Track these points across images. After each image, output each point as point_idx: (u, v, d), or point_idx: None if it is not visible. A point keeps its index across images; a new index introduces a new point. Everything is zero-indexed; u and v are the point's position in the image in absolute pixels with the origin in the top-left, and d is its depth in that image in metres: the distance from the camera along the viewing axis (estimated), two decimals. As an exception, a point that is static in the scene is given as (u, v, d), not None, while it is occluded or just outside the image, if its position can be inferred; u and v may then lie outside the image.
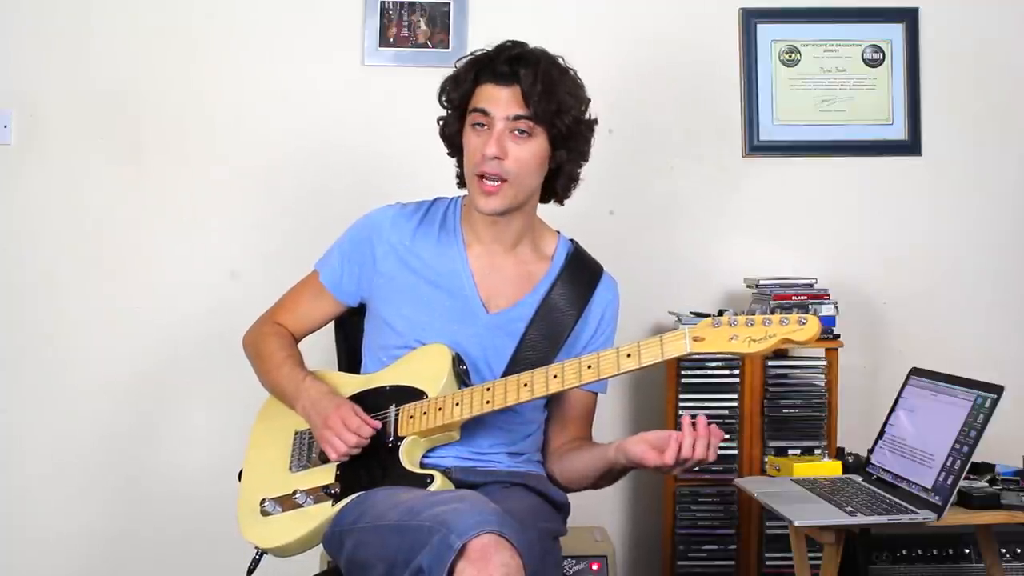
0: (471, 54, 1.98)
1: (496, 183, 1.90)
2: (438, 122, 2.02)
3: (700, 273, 3.07)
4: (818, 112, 3.09)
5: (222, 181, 3.02)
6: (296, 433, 2.02)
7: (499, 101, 1.89)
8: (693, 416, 1.77)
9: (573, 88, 1.94)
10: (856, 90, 3.09)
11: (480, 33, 2.87)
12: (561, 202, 2.05)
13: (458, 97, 1.95)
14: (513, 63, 1.89)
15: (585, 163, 2.01)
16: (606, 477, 1.95)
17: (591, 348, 2.01)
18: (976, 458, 2.14)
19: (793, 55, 3.09)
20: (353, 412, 1.90)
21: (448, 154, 2.05)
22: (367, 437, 1.88)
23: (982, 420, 2.11)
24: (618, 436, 3.00)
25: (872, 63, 3.10)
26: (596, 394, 2.06)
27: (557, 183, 2.00)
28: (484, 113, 1.90)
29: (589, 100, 1.98)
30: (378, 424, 1.90)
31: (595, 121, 1.99)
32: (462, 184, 2.03)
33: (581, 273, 2.04)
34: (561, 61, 1.96)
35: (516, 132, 1.90)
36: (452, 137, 2.01)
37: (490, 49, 1.95)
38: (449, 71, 2.01)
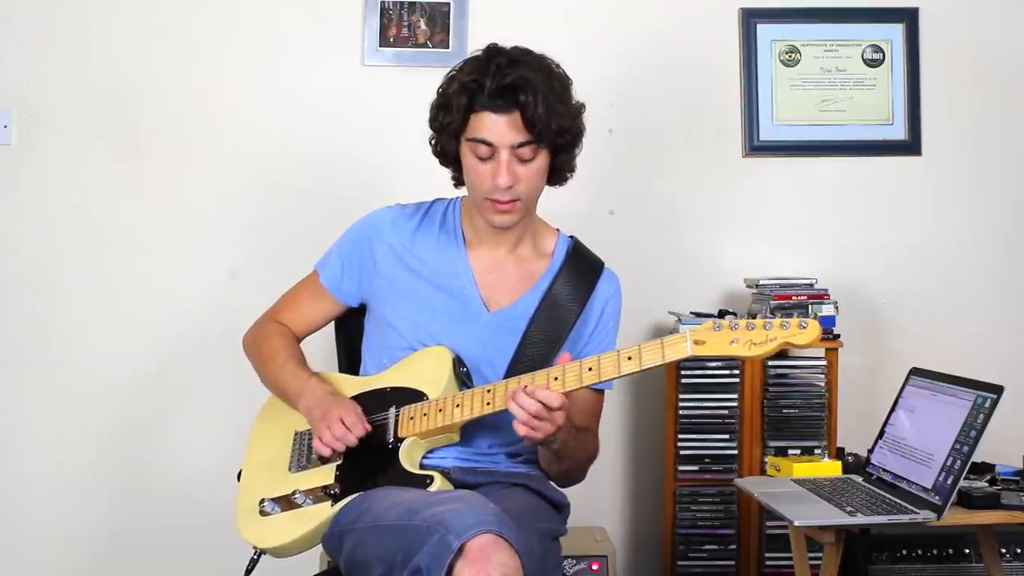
0: (456, 71, 1.92)
1: (509, 204, 1.91)
2: (430, 141, 1.99)
3: (700, 273, 3.07)
4: (818, 112, 3.09)
5: (222, 181, 3.02)
6: (296, 433, 2.02)
7: (501, 131, 1.86)
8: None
9: (566, 95, 1.92)
10: (856, 90, 3.09)
11: (480, 33, 2.86)
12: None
13: (452, 124, 1.90)
14: (508, 91, 1.84)
15: (581, 150, 2.00)
16: (548, 458, 1.94)
17: (592, 343, 2.01)
18: (976, 458, 2.15)
19: (793, 55, 3.09)
20: (353, 411, 1.91)
21: (440, 163, 2.02)
22: (356, 436, 1.88)
23: (982, 420, 2.11)
24: (618, 435, 3.06)
25: (872, 63, 3.10)
26: (602, 392, 2.06)
27: (556, 176, 2.00)
28: (487, 143, 1.88)
29: (581, 104, 1.96)
30: (369, 427, 1.90)
31: (584, 107, 1.96)
32: (458, 185, 2.03)
33: (582, 269, 2.04)
34: (548, 63, 1.92)
35: (521, 157, 1.89)
36: (448, 155, 1.97)
37: (477, 57, 1.90)
38: (446, 72, 1.98)
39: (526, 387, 1.75)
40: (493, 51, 1.90)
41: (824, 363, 2.81)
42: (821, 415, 2.79)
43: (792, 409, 2.79)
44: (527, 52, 1.91)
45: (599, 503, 3.01)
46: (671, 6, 3.08)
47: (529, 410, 1.73)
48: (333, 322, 2.18)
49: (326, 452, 1.90)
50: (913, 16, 3.10)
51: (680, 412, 2.80)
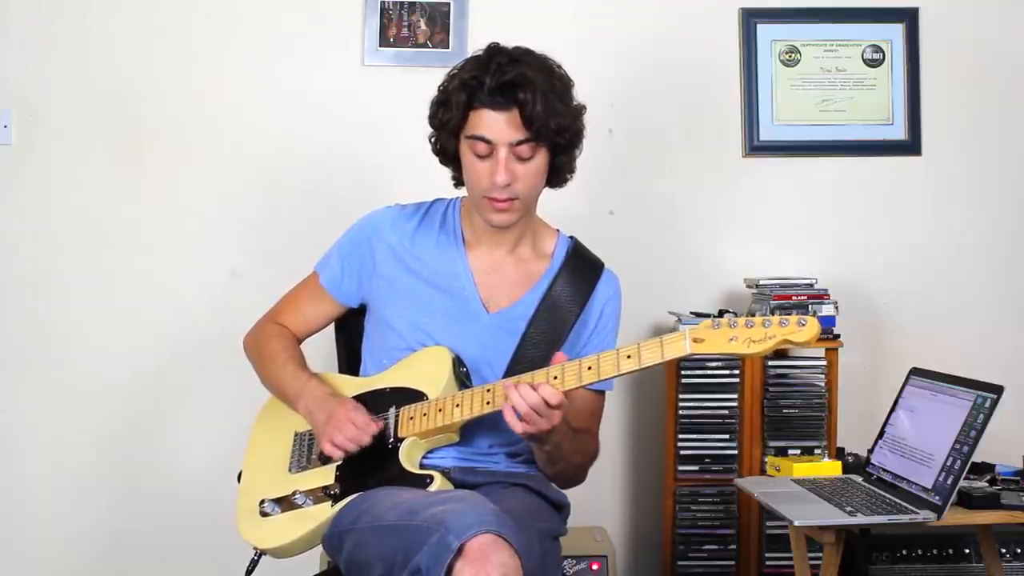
0: (457, 69, 1.93)
1: (507, 202, 1.91)
2: (430, 139, 2.00)
3: (700, 273, 3.07)
4: (818, 112, 3.09)
5: (222, 181, 3.02)
6: (296, 434, 2.02)
7: (499, 128, 1.86)
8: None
9: (566, 95, 1.92)
10: (856, 90, 3.09)
11: (480, 33, 2.86)
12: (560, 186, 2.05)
13: (452, 121, 1.91)
14: (507, 88, 1.85)
15: (581, 151, 2.00)
16: (542, 458, 1.93)
17: (591, 344, 2.01)
18: (976, 458, 2.15)
19: (793, 55, 3.09)
20: (360, 411, 1.91)
21: (440, 162, 2.03)
22: (369, 436, 1.88)
23: (982, 420, 2.11)
24: (618, 435, 3.06)
25: (872, 63, 3.10)
26: (603, 393, 2.06)
27: (556, 177, 2.00)
28: (485, 141, 1.88)
29: (582, 105, 1.96)
30: (380, 424, 1.91)
31: (585, 108, 1.97)
32: (458, 185, 2.03)
33: (582, 270, 2.04)
34: (550, 63, 1.92)
35: (519, 155, 1.89)
36: (448, 152, 1.98)
37: (478, 56, 1.91)
38: (448, 71, 1.98)
39: (529, 382, 1.74)
40: (494, 50, 1.91)
41: (824, 363, 2.81)
42: (821, 415, 2.79)
43: (792, 409, 2.79)
44: (528, 52, 1.91)
45: (599, 503, 3.01)
46: (671, 6, 3.08)
47: (529, 400, 1.73)
48: (333, 323, 2.18)
49: (338, 455, 1.89)
50: (913, 16, 3.10)
51: (680, 412, 2.80)
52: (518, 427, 1.75)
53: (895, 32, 3.10)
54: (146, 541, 2.99)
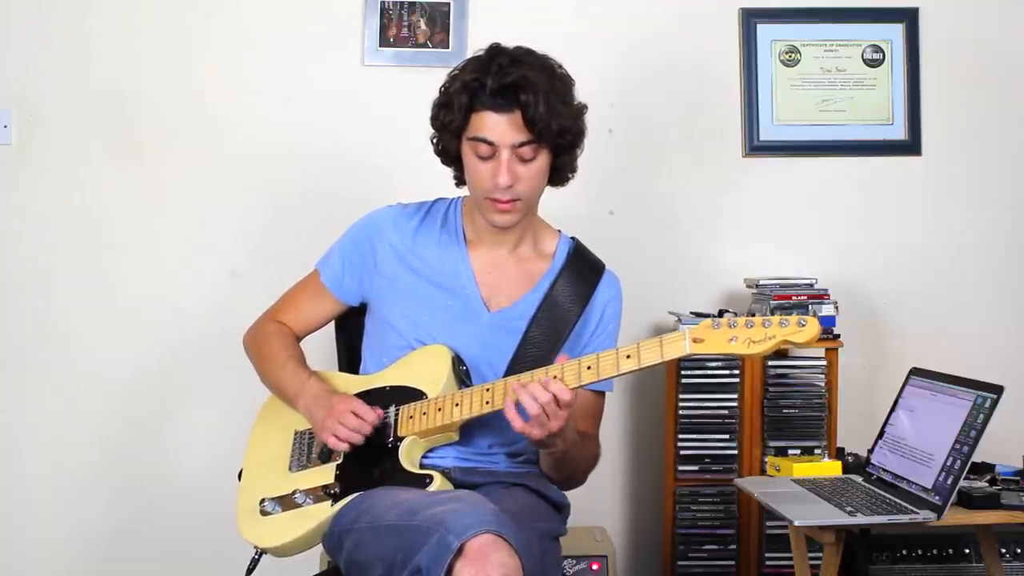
0: (458, 69, 1.93)
1: (509, 203, 1.91)
2: (432, 140, 2.00)
3: (700, 273, 3.07)
4: (818, 112, 3.09)
5: (222, 181, 3.02)
6: (296, 433, 2.03)
7: (501, 130, 1.87)
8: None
9: (567, 95, 1.92)
10: (856, 90, 3.09)
11: (480, 33, 2.86)
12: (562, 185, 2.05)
13: (454, 122, 1.91)
14: (509, 90, 1.85)
15: (582, 150, 2.00)
16: (548, 463, 1.94)
17: (592, 345, 2.01)
18: (976, 458, 2.15)
19: (793, 55, 3.09)
20: (359, 402, 1.92)
21: (442, 163, 2.03)
22: (371, 424, 1.88)
23: (982, 420, 2.11)
24: (618, 435, 3.05)
25: (872, 63, 3.10)
26: (603, 393, 2.06)
27: (557, 177, 2.00)
28: (487, 143, 1.88)
29: (583, 105, 1.96)
30: (381, 412, 1.90)
31: (586, 108, 1.97)
32: (460, 184, 2.03)
33: (583, 270, 2.04)
34: (551, 63, 1.92)
35: (521, 156, 1.89)
36: (449, 153, 1.98)
37: (480, 56, 1.91)
38: (449, 71, 1.98)
39: (540, 380, 1.74)
40: (495, 50, 1.91)
41: (824, 363, 2.81)
42: (821, 415, 2.79)
43: (792, 409, 2.79)
44: (529, 52, 1.91)
45: (599, 503, 3.01)
46: (671, 6, 3.08)
47: (540, 399, 1.72)
48: (333, 321, 2.18)
49: (344, 447, 1.89)
50: (913, 16, 3.10)
51: (680, 412, 2.80)
52: (518, 424, 1.75)
53: (895, 32, 3.10)
54: (146, 541, 2.99)
